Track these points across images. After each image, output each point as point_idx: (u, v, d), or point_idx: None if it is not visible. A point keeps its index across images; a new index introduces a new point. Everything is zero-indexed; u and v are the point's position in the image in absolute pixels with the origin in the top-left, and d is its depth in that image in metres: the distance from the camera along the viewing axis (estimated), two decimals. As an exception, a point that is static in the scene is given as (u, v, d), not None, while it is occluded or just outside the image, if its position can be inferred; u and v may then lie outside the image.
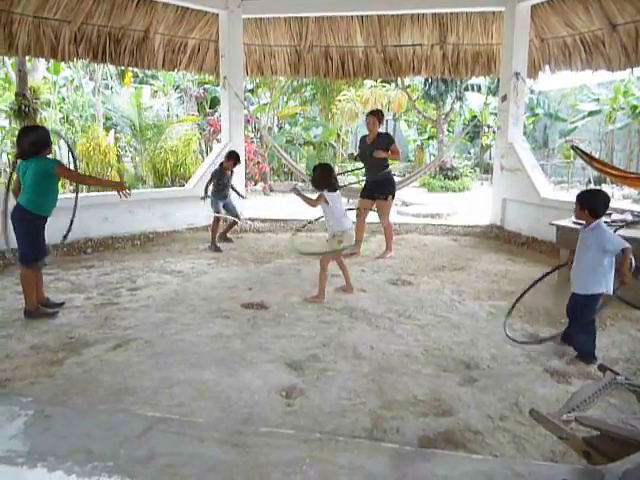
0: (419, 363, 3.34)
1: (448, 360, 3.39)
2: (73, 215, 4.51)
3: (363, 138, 6.44)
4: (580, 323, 3.46)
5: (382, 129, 6.42)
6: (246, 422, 2.60)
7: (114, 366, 3.25)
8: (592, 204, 3.37)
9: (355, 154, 6.59)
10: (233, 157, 6.86)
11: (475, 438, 2.49)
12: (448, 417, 2.69)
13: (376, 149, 6.10)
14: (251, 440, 1.22)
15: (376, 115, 6.28)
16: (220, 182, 6.76)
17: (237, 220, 7.05)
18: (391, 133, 18.74)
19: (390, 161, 6.35)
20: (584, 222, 3.46)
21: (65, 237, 4.50)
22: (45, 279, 4.90)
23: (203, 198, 6.73)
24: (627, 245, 3.25)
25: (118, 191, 4.27)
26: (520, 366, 3.31)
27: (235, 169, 6.94)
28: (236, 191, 7.16)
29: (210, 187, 6.78)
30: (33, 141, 4.06)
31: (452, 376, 3.16)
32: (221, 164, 6.86)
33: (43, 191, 4.06)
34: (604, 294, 3.39)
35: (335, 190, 4.71)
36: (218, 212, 6.80)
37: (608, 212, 5.41)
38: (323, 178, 4.69)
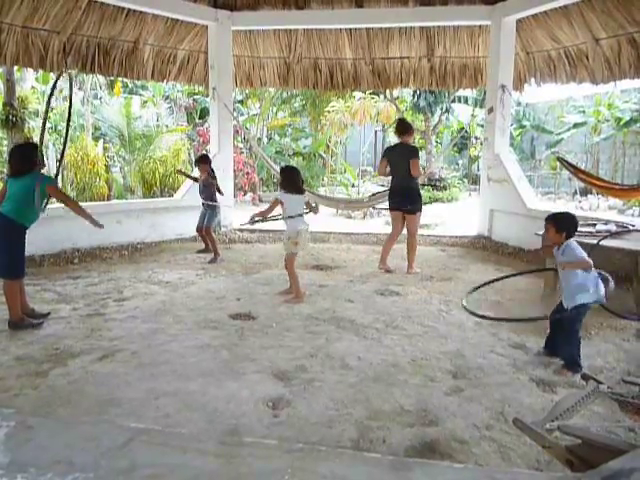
0: (406, 373, 3.35)
1: (435, 370, 3.40)
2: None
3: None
4: (567, 334, 3.50)
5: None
6: (232, 433, 2.58)
7: (100, 377, 3.23)
8: (569, 227, 3.47)
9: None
10: (198, 162, 6.92)
11: (461, 448, 2.50)
12: (434, 427, 2.69)
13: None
14: (234, 451, 1.22)
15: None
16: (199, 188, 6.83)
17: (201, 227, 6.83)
18: (379, 144, 18.91)
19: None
20: (555, 243, 3.53)
21: None
22: (31, 290, 4.87)
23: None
24: (587, 261, 3.35)
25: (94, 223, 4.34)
26: (506, 375, 3.33)
27: (207, 169, 6.71)
28: (219, 190, 6.81)
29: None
30: (22, 160, 4.08)
31: (439, 386, 3.17)
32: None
33: (31, 203, 4.04)
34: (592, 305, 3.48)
35: (300, 193, 4.92)
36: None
37: (593, 222, 5.53)
38: (288, 180, 4.93)
